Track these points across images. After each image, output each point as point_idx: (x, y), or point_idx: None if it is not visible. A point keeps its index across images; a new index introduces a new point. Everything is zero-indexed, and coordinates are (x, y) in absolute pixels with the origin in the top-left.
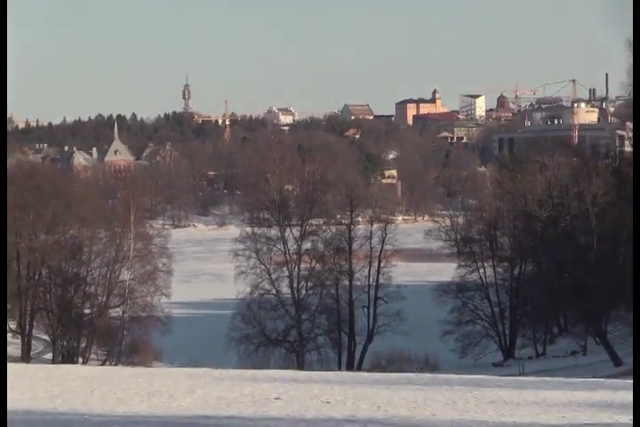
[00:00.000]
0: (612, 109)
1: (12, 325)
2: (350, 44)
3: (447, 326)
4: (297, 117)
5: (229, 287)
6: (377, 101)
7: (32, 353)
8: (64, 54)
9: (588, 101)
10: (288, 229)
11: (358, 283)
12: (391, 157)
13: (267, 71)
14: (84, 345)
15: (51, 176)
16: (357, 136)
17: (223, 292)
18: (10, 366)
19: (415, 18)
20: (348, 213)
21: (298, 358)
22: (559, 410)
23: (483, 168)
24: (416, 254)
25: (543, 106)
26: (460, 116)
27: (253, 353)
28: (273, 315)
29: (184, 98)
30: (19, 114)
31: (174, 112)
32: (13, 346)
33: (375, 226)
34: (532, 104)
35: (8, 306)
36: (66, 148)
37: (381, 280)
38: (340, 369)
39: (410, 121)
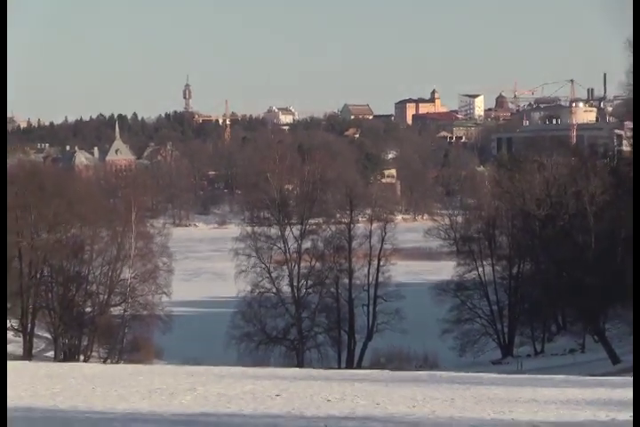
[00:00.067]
0: (610, 109)
1: (13, 323)
2: (350, 44)
3: (446, 325)
4: (297, 117)
5: (230, 286)
6: (376, 101)
7: (34, 351)
8: (65, 54)
9: (586, 101)
10: (288, 228)
11: (358, 281)
12: (390, 156)
13: (267, 71)
14: (85, 343)
15: (52, 176)
16: (357, 136)
17: (224, 290)
18: (11, 364)
19: (415, 18)
20: (348, 212)
21: (298, 356)
22: (557, 408)
23: (481, 168)
24: (415, 253)
25: (541, 106)
26: (459, 116)
27: (254, 351)
28: (273, 313)
29: (184, 98)
30: (20, 114)
31: (175, 112)
32: (15, 344)
33: (375, 225)
34: (530, 104)
35: (10, 304)
36: (67, 147)
37: (381, 279)
38: (339, 367)
39: (409, 121)
